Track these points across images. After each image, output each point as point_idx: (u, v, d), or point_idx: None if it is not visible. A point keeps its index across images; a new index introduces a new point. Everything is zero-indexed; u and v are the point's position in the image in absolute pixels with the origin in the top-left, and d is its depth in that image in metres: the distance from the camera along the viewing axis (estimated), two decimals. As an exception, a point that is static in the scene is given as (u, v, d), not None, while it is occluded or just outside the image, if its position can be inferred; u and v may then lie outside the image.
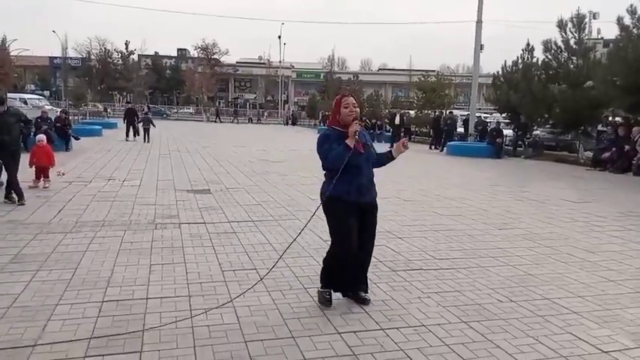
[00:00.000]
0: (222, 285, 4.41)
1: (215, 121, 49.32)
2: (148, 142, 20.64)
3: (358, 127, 3.80)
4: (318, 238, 6.06)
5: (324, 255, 4.16)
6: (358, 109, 3.93)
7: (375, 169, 4.10)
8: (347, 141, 3.78)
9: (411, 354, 3.27)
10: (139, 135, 21.63)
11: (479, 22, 23.22)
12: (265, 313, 3.86)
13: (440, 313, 3.97)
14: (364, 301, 4.08)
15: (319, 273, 4.14)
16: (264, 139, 26.22)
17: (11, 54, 38.48)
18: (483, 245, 6.09)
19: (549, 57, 19.85)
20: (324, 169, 4.00)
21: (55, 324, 3.51)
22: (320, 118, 44.62)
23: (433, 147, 23.32)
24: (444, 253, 5.67)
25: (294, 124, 50.47)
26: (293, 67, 71.27)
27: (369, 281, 4.23)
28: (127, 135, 21.69)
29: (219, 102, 67.32)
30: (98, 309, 3.80)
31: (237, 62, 71.62)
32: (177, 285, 4.38)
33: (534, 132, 21.60)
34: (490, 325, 3.76)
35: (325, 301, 4.02)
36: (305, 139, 27.59)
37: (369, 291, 4.18)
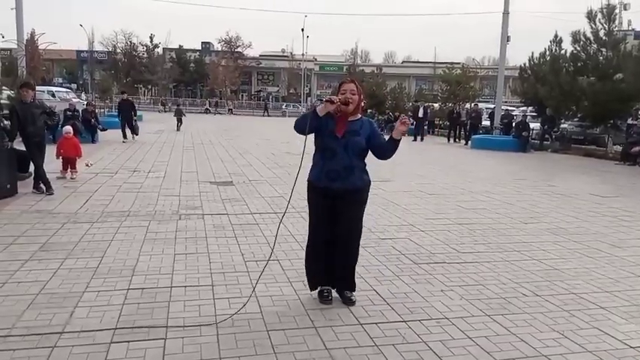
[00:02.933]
0: (244, 275, 4.45)
1: (263, 115, 49.14)
2: (179, 130, 22.86)
3: (336, 98, 3.61)
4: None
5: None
6: (356, 97, 3.72)
7: (389, 160, 3.88)
8: (317, 107, 3.61)
9: (434, 346, 3.25)
10: (137, 135, 17.80)
11: (505, 12, 22.80)
12: (287, 303, 3.88)
13: (463, 306, 3.94)
14: (349, 302, 3.88)
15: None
16: (287, 132, 26.22)
17: (39, 47, 39.19)
18: (508, 239, 6.01)
19: (578, 49, 19.37)
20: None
21: (82, 311, 3.59)
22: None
23: (452, 140, 23.18)
24: (467, 247, 5.61)
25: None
26: (316, 59, 71.09)
27: (391, 275, 4.20)
28: (124, 135, 16.99)
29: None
30: (124, 297, 3.86)
31: (260, 55, 71.71)
32: (201, 274, 4.43)
33: (562, 125, 21.18)
34: (514, 319, 3.71)
35: (322, 300, 3.86)
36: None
37: (355, 291, 3.97)
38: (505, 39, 22.94)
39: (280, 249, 5.25)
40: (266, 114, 50.03)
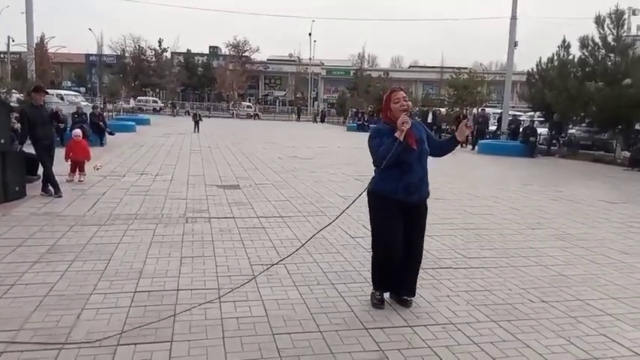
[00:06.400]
0: (250, 278, 4.45)
1: (298, 120, 50.51)
2: (198, 132, 24.71)
3: (407, 118, 3.63)
4: (346, 235, 6.08)
5: (371, 255, 4.06)
6: (410, 103, 3.80)
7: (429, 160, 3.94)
8: (395, 134, 3.61)
9: (439, 352, 3.25)
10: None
11: (513, 18, 22.79)
12: (293, 307, 3.88)
13: (469, 311, 3.93)
14: (406, 304, 3.96)
15: (370, 275, 4.09)
16: (294, 136, 26.31)
17: (49, 51, 39.55)
18: (515, 245, 5.99)
19: (586, 54, 19.32)
20: (374, 165, 3.85)
21: (90, 313, 3.61)
22: (349, 115, 44.61)
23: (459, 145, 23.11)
24: (474, 252, 5.59)
25: (322, 121, 50.59)
26: (323, 64, 71.25)
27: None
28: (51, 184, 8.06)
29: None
30: (130, 299, 3.89)
31: (267, 60, 72.04)
32: (207, 277, 4.44)
33: (569, 130, 21.10)
34: (520, 325, 3.70)
35: (376, 303, 3.91)
36: (333, 136, 27.62)
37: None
38: (513, 44, 22.93)
39: (286, 253, 5.25)
40: (297, 119, 51.46)
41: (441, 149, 3.98)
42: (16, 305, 3.69)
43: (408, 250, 3.91)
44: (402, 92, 3.82)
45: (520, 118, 23.95)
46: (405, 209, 3.82)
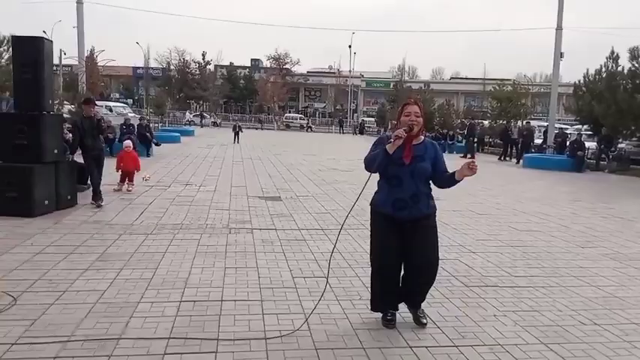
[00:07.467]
0: (292, 291, 4.47)
1: (341, 132, 51.81)
2: (238, 143, 25.55)
3: (402, 132, 3.50)
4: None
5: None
6: (421, 119, 3.65)
7: (447, 187, 3.78)
8: (387, 145, 3.54)
9: (487, 373, 3.16)
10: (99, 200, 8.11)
11: (559, 28, 22.28)
12: (335, 321, 3.86)
13: (517, 332, 3.81)
14: (420, 324, 3.83)
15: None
16: (333, 149, 26.39)
17: (98, 64, 41.11)
18: (564, 264, 5.79)
19: (636, 65, 18.66)
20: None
21: (137, 321, 3.69)
22: (389, 127, 44.43)
23: (502, 158, 22.56)
24: (520, 270, 5.44)
25: (361, 133, 50.57)
26: (362, 76, 71.32)
27: (441, 297, 4.11)
28: (95, 193, 8.15)
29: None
30: (176, 308, 3.95)
31: (307, 72, 72.70)
32: (250, 289, 4.47)
33: (619, 145, 20.36)
34: (572, 349, 3.55)
35: (385, 323, 3.80)
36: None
37: (424, 312, 3.93)
38: (558, 55, 22.41)
39: (327, 265, 5.24)
40: (341, 131, 52.51)
41: (442, 179, 3.71)
42: (68, 312, 3.81)
43: (411, 271, 3.76)
44: (415, 107, 3.68)
45: (566, 132, 23.30)
46: (400, 225, 3.68)
